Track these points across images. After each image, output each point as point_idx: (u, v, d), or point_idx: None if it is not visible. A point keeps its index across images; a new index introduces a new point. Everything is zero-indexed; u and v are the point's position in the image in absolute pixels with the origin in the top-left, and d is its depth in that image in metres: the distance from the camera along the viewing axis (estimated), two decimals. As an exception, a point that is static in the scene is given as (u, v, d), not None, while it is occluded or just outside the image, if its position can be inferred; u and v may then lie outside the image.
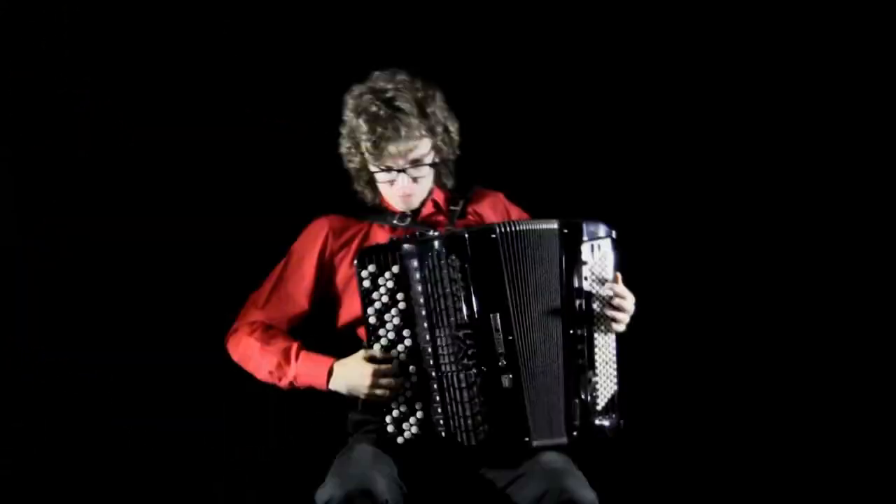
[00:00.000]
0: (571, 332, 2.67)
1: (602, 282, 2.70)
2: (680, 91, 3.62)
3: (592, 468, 2.65)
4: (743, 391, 3.64)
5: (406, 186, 2.75)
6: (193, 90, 3.47)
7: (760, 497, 3.61)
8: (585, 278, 2.68)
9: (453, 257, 2.61)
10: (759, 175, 3.64)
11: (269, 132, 3.50)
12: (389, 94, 2.72)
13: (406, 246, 2.64)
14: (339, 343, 2.78)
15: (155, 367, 3.46)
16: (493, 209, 2.89)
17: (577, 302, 2.67)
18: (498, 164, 3.24)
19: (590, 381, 2.68)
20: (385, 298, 2.64)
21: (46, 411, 3.44)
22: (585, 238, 2.68)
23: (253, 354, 2.77)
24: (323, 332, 2.84)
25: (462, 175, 2.90)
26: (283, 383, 2.75)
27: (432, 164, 2.78)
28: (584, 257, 2.68)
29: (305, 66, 3.51)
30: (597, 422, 2.68)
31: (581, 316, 2.67)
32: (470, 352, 2.60)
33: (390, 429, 2.63)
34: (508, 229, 2.63)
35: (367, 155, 2.74)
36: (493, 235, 2.62)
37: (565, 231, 2.67)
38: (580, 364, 2.67)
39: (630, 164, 3.62)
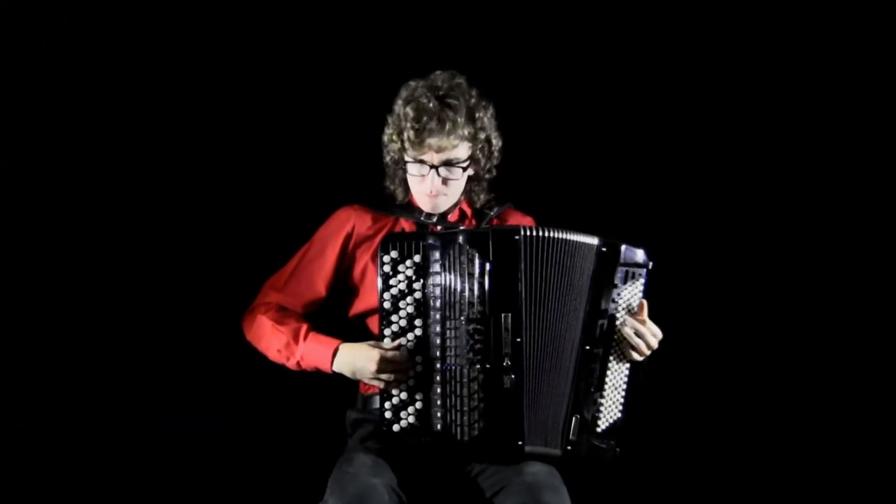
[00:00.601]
0: (588, 348, 2.69)
1: (630, 309, 2.72)
2: (703, 113, 3.65)
3: (580, 484, 2.67)
4: (743, 423, 3.67)
5: (436, 185, 2.77)
6: (193, 90, 3.47)
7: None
8: (613, 301, 2.70)
9: (474, 253, 2.62)
10: (777, 215, 3.67)
11: (269, 132, 3.50)
12: (442, 92, 2.75)
13: (430, 237, 2.67)
14: (350, 334, 2.79)
15: (155, 367, 3.46)
16: None
17: (600, 322, 2.70)
18: (531, 185, 3.22)
19: (595, 401, 2.70)
20: (403, 286, 2.66)
21: (46, 411, 3.43)
22: (622, 262, 2.70)
23: (265, 333, 2.79)
24: (334, 321, 2.85)
25: (497, 193, 2.93)
26: (291, 363, 2.76)
27: (466, 170, 2.79)
28: (616, 280, 2.70)
29: (305, 66, 3.51)
30: (594, 443, 2.70)
31: (600, 337, 2.70)
32: (477, 347, 2.62)
33: (388, 415, 2.64)
34: (533, 234, 2.64)
35: (406, 143, 2.75)
36: (517, 237, 2.63)
37: (604, 250, 2.69)
38: (589, 383, 2.69)
39: (653, 191, 3.64)
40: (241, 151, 3.50)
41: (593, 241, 2.69)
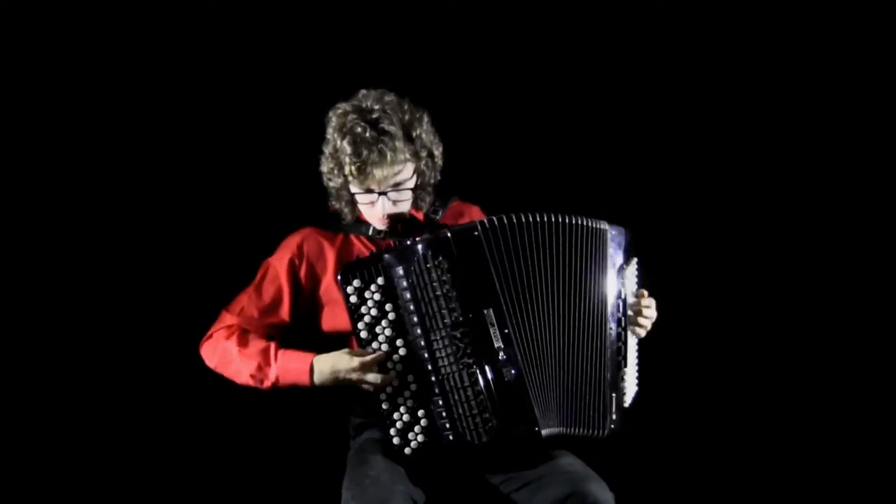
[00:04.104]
0: (612, 328, 2.69)
1: (633, 287, 2.77)
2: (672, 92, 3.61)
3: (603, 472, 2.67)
4: (744, 394, 3.64)
5: (387, 209, 2.71)
6: (193, 90, 3.46)
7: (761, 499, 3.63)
8: (622, 281, 2.73)
9: (440, 259, 2.60)
10: (757, 177, 3.63)
11: (261, 133, 3.48)
12: (375, 116, 2.67)
13: (388, 256, 2.64)
14: (323, 349, 2.74)
15: (155, 366, 3.46)
16: (468, 220, 2.84)
17: (618, 302, 2.71)
18: (476, 173, 3.20)
19: (623, 378, 2.72)
20: (374, 311, 2.64)
21: (46, 411, 3.43)
22: (626, 244, 2.73)
23: (231, 359, 2.73)
24: (305, 340, 2.81)
25: (441, 184, 2.88)
26: (266, 385, 2.71)
27: (414, 189, 2.76)
28: (623, 262, 2.73)
29: (303, 66, 3.49)
30: (622, 417, 2.71)
31: (620, 315, 2.71)
32: (469, 349, 2.60)
33: (396, 441, 2.63)
34: (493, 225, 2.61)
35: (349, 178, 2.70)
36: (476, 233, 2.61)
37: (614, 233, 2.72)
38: (619, 361, 2.71)
39: (611, 168, 3.60)
40: (241, 151, 3.49)
41: (603, 225, 2.70)
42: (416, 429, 2.63)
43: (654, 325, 2.82)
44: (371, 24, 3.49)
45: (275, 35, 3.47)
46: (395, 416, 2.63)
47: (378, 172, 2.66)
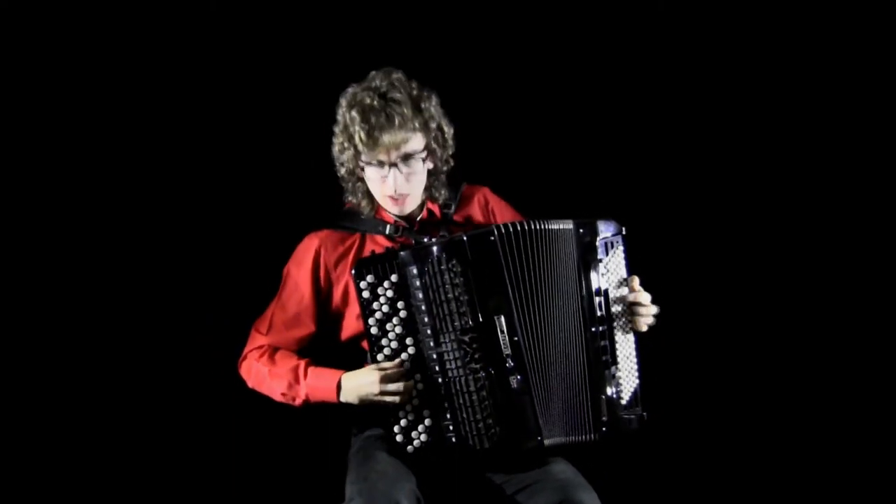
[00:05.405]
0: (594, 329, 2.67)
1: (619, 279, 2.72)
2: (671, 88, 3.62)
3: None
4: (738, 401, 3.64)
5: (399, 184, 2.70)
6: (192, 90, 3.47)
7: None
8: (603, 275, 2.69)
9: (454, 262, 2.61)
10: (756, 170, 3.63)
11: (265, 135, 3.49)
12: (384, 89, 2.69)
13: (403, 254, 2.64)
14: (345, 357, 2.77)
15: (155, 366, 3.46)
16: (479, 207, 2.89)
17: (597, 300, 2.68)
18: (485, 159, 3.18)
19: (614, 376, 2.70)
20: (385, 308, 2.65)
21: (46, 411, 3.43)
22: (601, 237, 2.69)
23: (264, 379, 2.76)
24: (328, 347, 2.82)
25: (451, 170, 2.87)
26: (297, 402, 2.73)
27: (428, 175, 2.75)
28: (599, 256, 2.69)
29: (303, 66, 3.50)
30: (623, 416, 2.69)
31: (602, 314, 2.68)
32: (476, 355, 2.61)
33: (399, 438, 2.64)
34: (508, 230, 2.62)
35: (360, 147, 2.69)
36: (492, 238, 2.61)
37: (581, 231, 2.68)
38: (604, 360, 2.68)
39: (615, 161, 3.60)
40: (241, 151, 3.50)
41: (569, 225, 2.68)
42: (420, 428, 2.64)
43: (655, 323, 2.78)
44: (370, 19, 3.50)
45: (282, 31, 3.47)
46: (400, 413, 2.64)
47: (387, 137, 2.65)
